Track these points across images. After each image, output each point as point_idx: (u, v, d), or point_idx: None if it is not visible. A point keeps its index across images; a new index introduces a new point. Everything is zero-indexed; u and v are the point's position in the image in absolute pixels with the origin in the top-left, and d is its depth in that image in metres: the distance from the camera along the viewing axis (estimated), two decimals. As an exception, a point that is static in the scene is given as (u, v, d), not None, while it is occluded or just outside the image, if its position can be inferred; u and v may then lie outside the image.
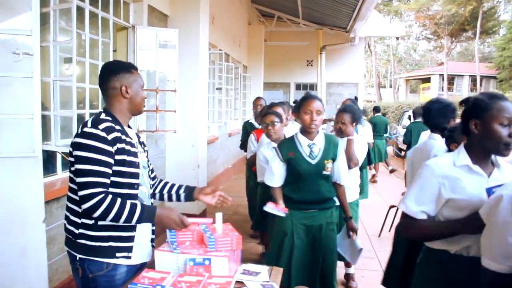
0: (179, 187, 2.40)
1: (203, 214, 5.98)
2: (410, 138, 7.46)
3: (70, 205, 2.02)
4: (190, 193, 2.36)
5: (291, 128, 4.37)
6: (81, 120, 3.57)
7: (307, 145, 2.97)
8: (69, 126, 3.48)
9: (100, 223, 1.93)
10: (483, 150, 1.85)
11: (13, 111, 2.65)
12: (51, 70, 3.37)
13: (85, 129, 1.91)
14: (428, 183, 1.89)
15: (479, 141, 1.85)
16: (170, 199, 2.39)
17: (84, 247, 1.95)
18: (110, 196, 1.86)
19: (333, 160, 3.03)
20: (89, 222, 1.94)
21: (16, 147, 2.69)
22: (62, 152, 3.77)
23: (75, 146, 1.90)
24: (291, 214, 2.99)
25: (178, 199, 2.39)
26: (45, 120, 3.41)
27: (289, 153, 2.97)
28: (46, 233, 3.09)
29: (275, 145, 3.39)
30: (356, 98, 5.84)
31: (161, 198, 2.39)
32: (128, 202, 1.90)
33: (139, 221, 1.92)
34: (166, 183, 2.41)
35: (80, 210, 1.94)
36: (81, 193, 1.85)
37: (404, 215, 1.97)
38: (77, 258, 1.97)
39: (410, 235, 2.06)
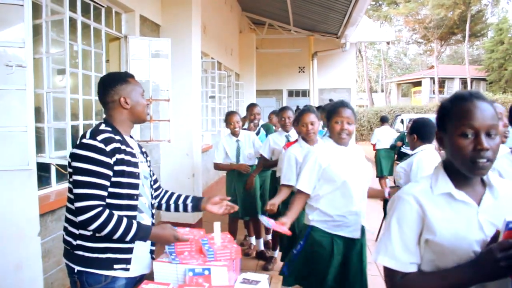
0: (186, 197, 2.37)
1: (199, 223, 5.96)
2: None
3: (68, 215, 1.99)
4: (198, 204, 2.32)
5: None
6: (75, 132, 3.55)
7: None
8: (63, 138, 3.46)
9: (97, 234, 1.91)
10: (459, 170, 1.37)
11: (6, 123, 2.63)
12: (44, 81, 3.35)
13: (84, 140, 1.89)
14: (408, 221, 1.40)
15: (451, 159, 1.39)
16: (176, 209, 2.36)
17: (82, 259, 1.93)
18: (107, 211, 1.84)
19: None
20: (87, 233, 1.92)
21: (10, 160, 2.67)
22: (57, 164, 3.74)
23: (73, 157, 1.88)
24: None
25: (185, 209, 2.35)
26: (38, 132, 3.38)
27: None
28: (42, 246, 3.07)
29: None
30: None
31: (168, 208, 2.36)
32: (125, 219, 1.89)
33: (133, 239, 1.91)
34: (172, 194, 2.38)
35: (77, 221, 1.92)
36: (77, 204, 1.83)
37: (389, 273, 1.42)
38: (75, 271, 1.94)
39: None
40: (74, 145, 1.93)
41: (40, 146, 3.48)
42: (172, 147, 5.76)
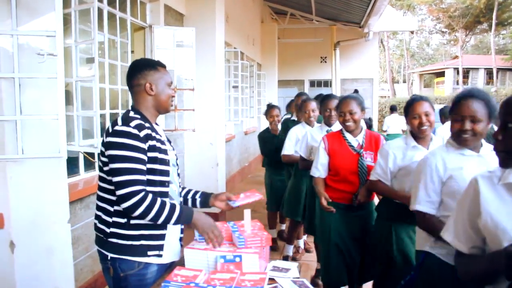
0: (195, 192, 2.35)
1: (222, 213, 5.98)
2: None
3: (101, 204, 2.01)
4: (206, 200, 2.31)
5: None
6: (102, 121, 3.58)
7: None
8: (91, 127, 3.50)
9: (132, 222, 1.93)
10: None
11: (37, 112, 2.66)
12: (74, 70, 3.39)
13: (117, 128, 1.90)
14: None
15: None
16: (185, 203, 2.34)
17: (116, 246, 1.95)
18: (150, 195, 1.86)
19: None
20: (121, 220, 1.94)
21: (41, 148, 2.70)
22: (85, 152, 3.79)
23: (108, 145, 1.89)
24: None
25: (194, 204, 2.33)
26: (67, 120, 3.42)
27: None
28: (71, 233, 3.11)
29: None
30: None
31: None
32: (168, 202, 1.91)
33: (177, 222, 1.92)
34: (182, 188, 2.36)
35: (112, 209, 1.95)
36: (119, 192, 1.84)
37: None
38: (108, 258, 1.96)
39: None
40: (107, 134, 1.93)
41: (69, 135, 3.53)
42: (196, 136, 5.79)
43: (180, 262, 2.05)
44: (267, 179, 5.22)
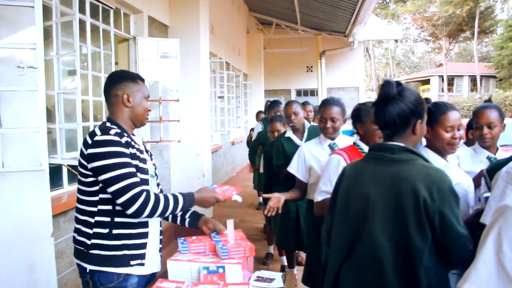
0: (186, 211, 2.30)
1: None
2: None
3: (81, 216, 1.99)
4: (195, 221, 2.26)
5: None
6: (85, 133, 3.55)
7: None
8: (74, 139, 3.47)
9: (114, 231, 1.92)
10: None
11: (18, 125, 2.64)
12: (55, 83, 3.37)
13: (97, 138, 1.88)
14: None
15: None
16: (174, 220, 2.31)
17: (97, 258, 1.93)
18: (152, 194, 1.90)
19: None
20: (103, 231, 1.92)
21: (23, 161, 2.68)
22: (68, 165, 3.76)
23: (91, 157, 1.88)
24: None
25: (182, 223, 2.30)
26: (49, 133, 3.40)
27: None
28: (55, 247, 3.08)
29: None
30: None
31: (165, 218, 2.26)
32: (170, 195, 1.99)
33: (183, 208, 2.03)
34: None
35: (92, 221, 1.93)
36: (121, 200, 1.84)
37: None
38: (87, 270, 1.94)
39: None
40: (87, 145, 1.91)
41: (51, 148, 3.50)
42: (182, 147, 5.77)
43: (165, 274, 2.04)
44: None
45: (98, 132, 1.92)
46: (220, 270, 1.89)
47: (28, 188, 2.78)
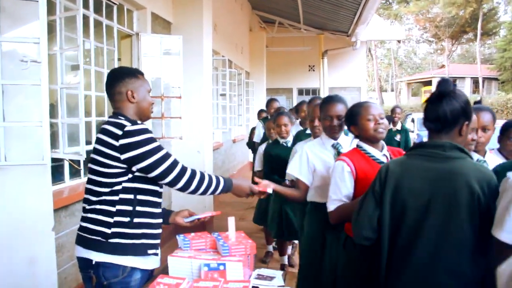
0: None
1: (209, 222, 5.95)
2: None
3: (99, 206, 1.96)
4: (165, 218, 2.26)
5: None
6: (88, 127, 3.56)
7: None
8: (76, 134, 3.47)
9: (135, 220, 1.95)
10: None
11: (21, 119, 2.65)
12: (58, 78, 3.37)
13: (128, 128, 1.92)
14: None
15: None
16: None
17: (117, 246, 1.93)
18: (198, 171, 2.04)
19: None
20: (124, 220, 1.94)
21: (25, 155, 2.69)
22: (70, 160, 3.76)
23: (127, 147, 1.89)
24: None
25: None
26: (52, 128, 3.40)
27: None
28: (55, 241, 3.08)
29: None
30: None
31: None
32: (213, 175, 2.10)
33: (222, 190, 2.13)
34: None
35: (114, 209, 1.93)
36: (168, 179, 1.96)
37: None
38: (93, 263, 1.94)
39: None
40: (116, 137, 1.90)
41: (53, 142, 3.50)
42: (183, 144, 5.77)
43: (165, 269, 2.04)
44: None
45: (126, 123, 1.94)
46: (221, 267, 1.90)
47: (30, 182, 2.78)
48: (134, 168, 1.93)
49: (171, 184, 1.98)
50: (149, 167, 1.92)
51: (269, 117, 6.16)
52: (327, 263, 2.66)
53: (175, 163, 1.97)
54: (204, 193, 2.05)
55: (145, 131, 1.94)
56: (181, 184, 1.97)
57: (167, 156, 1.96)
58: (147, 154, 1.90)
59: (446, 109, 1.76)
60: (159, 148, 1.94)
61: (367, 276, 2.05)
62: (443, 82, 1.79)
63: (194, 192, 2.03)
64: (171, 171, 1.95)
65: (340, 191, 2.34)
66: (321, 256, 2.72)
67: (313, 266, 2.81)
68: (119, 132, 1.91)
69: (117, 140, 1.90)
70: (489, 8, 34.06)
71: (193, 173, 2.01)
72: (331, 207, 2.41)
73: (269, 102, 5.91)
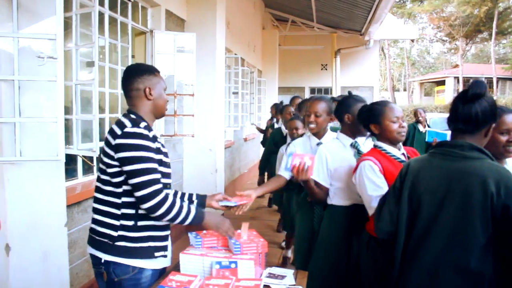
0: (190, 195, 2.36)
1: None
2: None
3: (105, 208, 1.98)
4: (203, 201, 2.33)
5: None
6: (102, 124, 3.58)
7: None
8: (90, 131, 3.50)
9: (139, 223, 1.94)
10: None
11: (36, 114, 2.67)
12: (73, 74, 3.39)
13: (127, 130, 1.89)
14: None
15: None
16: None
17: (124, 249, 1.94)
18: (170, 196, 1.91)
19: None
20: (129, 223, 1.94)
21: (39, 151, 2.71)
22: (83, 156, 3.79)
23: (119, 147, 1.88)
24: None
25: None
26: (66, 124, 3.42)
27: None
28: (68, 237, 3.11)
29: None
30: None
31: None
32: (185, 204, 1.97)
33: (191, 222, 1.98)
34: (176, 192, 2.32)
35: (119, 212, 1.94)
36: (140, 193, 1.85)
37: None
38: (102, 261, 1.95)
39: None
40: (115, 136, 1.91)
41: (67, 138, 3.53)
42: (195, 142, 5.78)
43: (175, 268, 2.05)
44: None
45: (128, 123, 1.92)
46: (233, 265, 1.90)
47: (43, 178, 2.81)
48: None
49: (139, 201, 1.86)
50: (131, 172, 1.86)
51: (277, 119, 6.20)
52: (348, 265, 2.63)
53: (152, 181, 1.85)
54: (172, 220, 1.93)
55: (142, 136, 1.89)
56: (149, 205, 1.84)
57: (147, 171, 1.86)
58: (132, 159, 1.85)
59: (477, 109, 1.78)
60: (144, 159, 1.86)
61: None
62: (477, 84, 1.81)
63: (161, 218, 1.90)
64: (143, 188, 1.84)
65: (380, 186, 2.28)
66: (342, 258, 2.68)
67: (333, 269, 2.73)
68: (118, 132, 1.91)
69: (114, 138, 1.91)
70: (505, 7, 33.54)
71: (165, 198, 1.87)
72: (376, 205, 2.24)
73: (292, 100, 5.76)
